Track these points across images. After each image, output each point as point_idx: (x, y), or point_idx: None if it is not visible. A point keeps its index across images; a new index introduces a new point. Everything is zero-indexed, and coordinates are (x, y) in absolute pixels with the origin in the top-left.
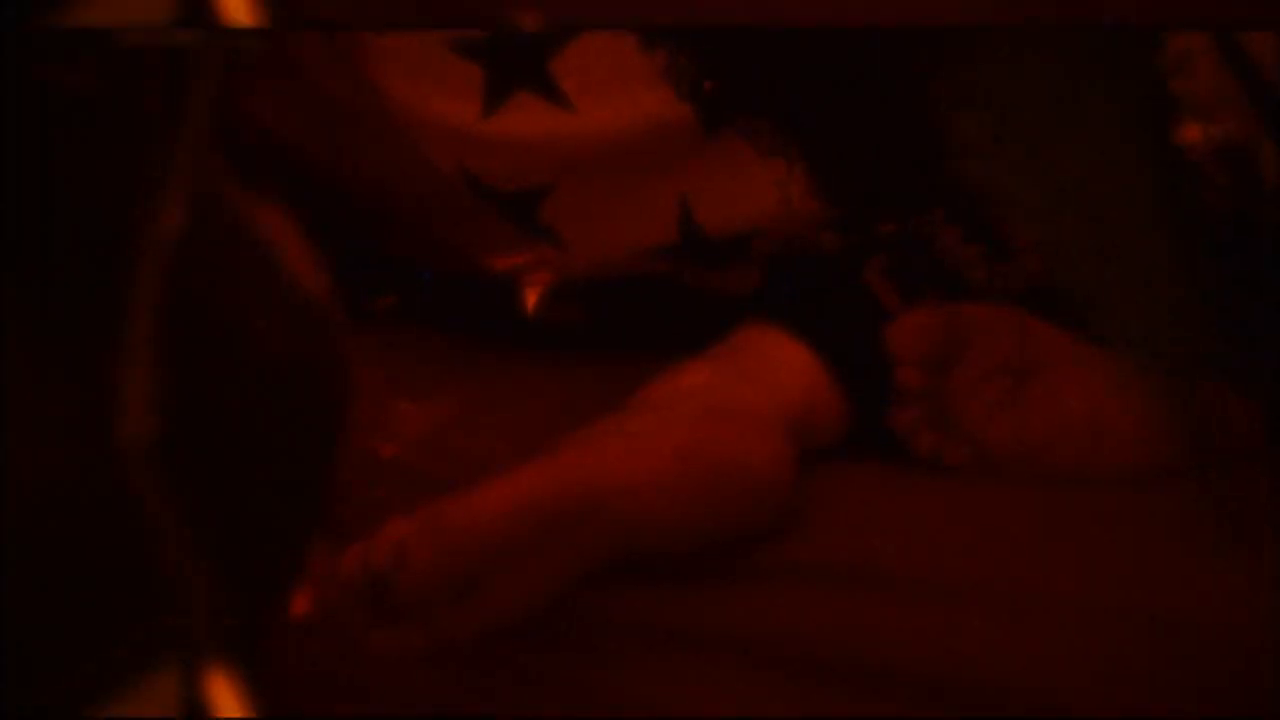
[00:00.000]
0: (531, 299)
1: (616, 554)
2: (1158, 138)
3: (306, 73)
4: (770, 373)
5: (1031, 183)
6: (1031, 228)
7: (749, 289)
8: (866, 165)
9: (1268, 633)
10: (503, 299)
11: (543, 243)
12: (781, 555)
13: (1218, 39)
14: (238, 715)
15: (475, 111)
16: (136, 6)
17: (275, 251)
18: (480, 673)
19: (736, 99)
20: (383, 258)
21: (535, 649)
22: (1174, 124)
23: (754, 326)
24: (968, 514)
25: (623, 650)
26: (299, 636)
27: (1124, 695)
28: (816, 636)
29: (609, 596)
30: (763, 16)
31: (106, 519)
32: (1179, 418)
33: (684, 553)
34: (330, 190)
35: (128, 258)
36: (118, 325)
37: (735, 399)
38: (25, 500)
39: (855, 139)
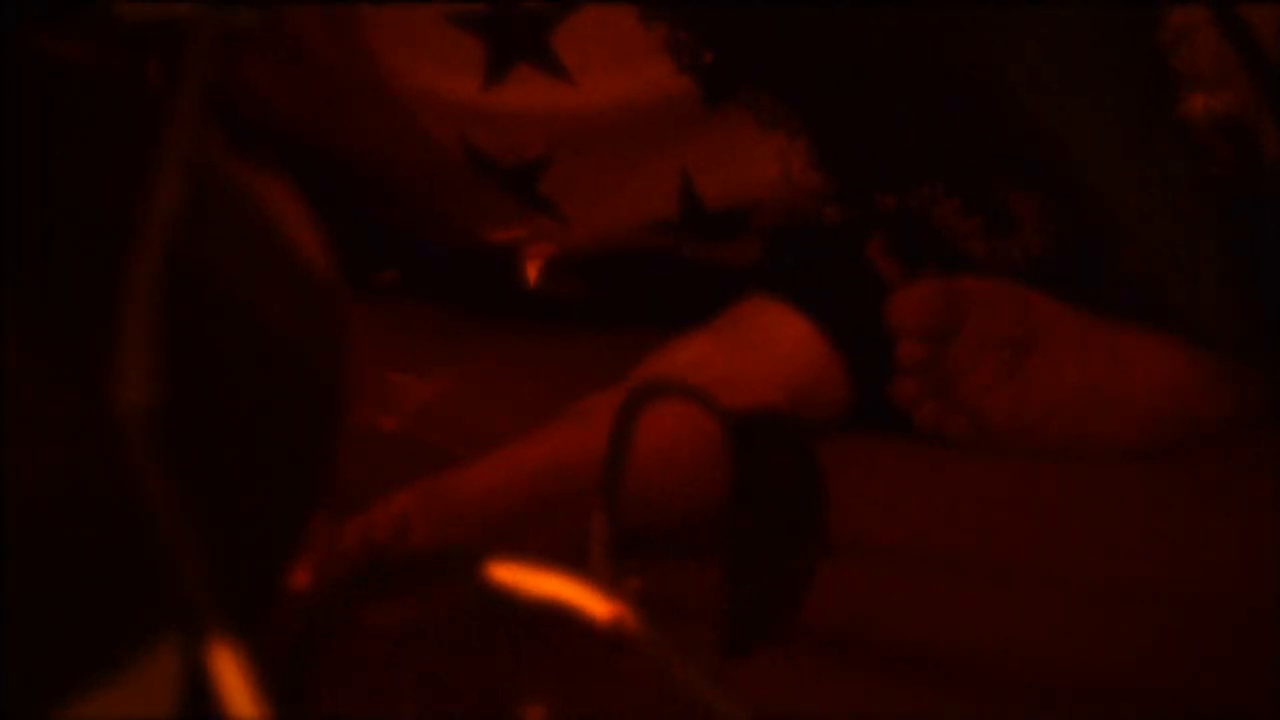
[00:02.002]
0: (532, 272)
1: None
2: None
3: (307, 45)
4: (771, 345)
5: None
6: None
7: (750, 262)
8: (868, 138)
9: None
10: (503, 272)
11: (543, 215)
12: None
13: (1218, 12)
14: (239, 688)
15: (476, 84)
16: None
17: (276, 224)
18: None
19: (737, 71)
20: (383, 230)
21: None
22: (1176, 97)
23: (755, 299)
24: (975, 487)
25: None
26: (299, 609)
27: (1154, 670)
28: (825, 610)
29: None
30: None
31: (106, 494)
32: (1189, 389)
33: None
34: (330, 163)
35: (128, 231)
36: (117, 299)
37: (736, 372)
38: (24, 478)
39: (856, 111)
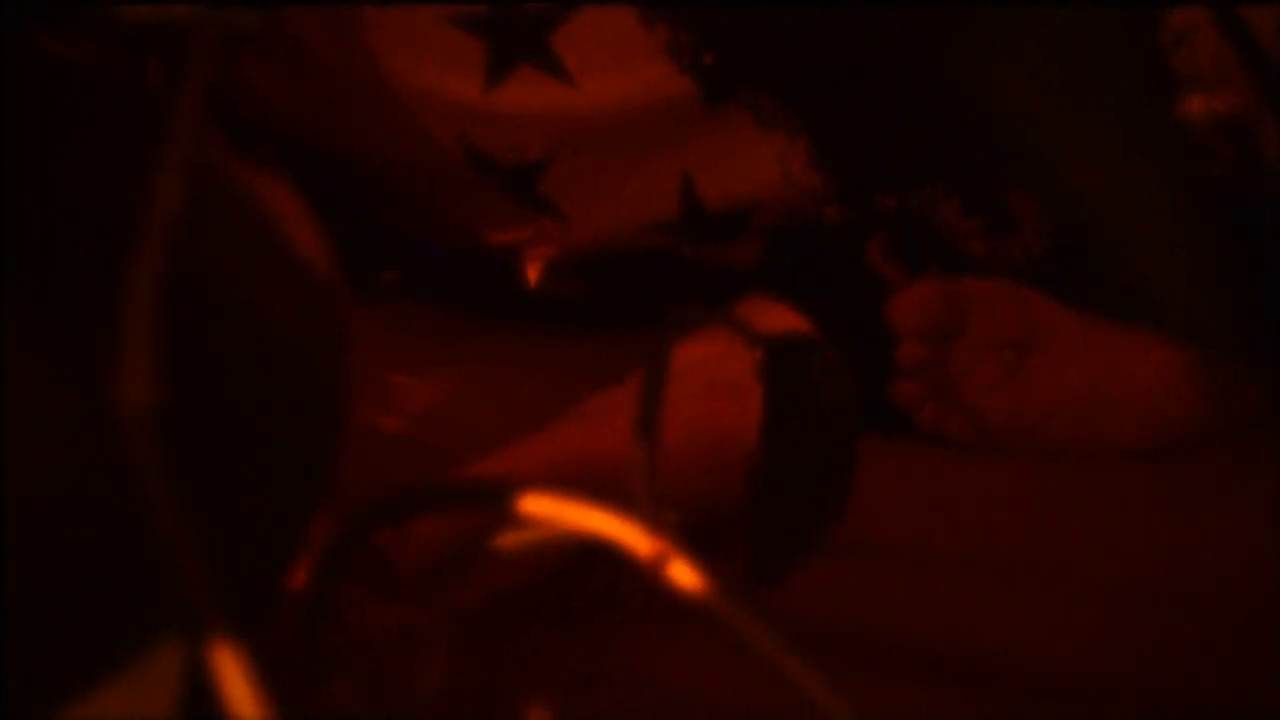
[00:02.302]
0: (532, 272)
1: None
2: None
3: (307, 45)
4: None
5: (1071, 131)
6: (1073, 176)
7: (750, 262)
8: (868, 138)
9: None
10: (503, 272)
11: (544, 216)
12: None
13: (1218, 12)
14: (239, 688)
15: (476, 85)
16: None
17: (276, 224)
18: (481, 646)
19: (737, 71)
20: (384, 231)
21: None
22: (1176, 97)
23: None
24: (975, 487)
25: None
26: (299, 609)
27: (1154, 670)
28: (825, 610)
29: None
30: None
31: (106, 494)
32: (1190, 389)
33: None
34: (330, 163)
35: (128, 231)
36: (118, 299)
37: (737, 372)
38: (24, 478)
39: (856, 111)
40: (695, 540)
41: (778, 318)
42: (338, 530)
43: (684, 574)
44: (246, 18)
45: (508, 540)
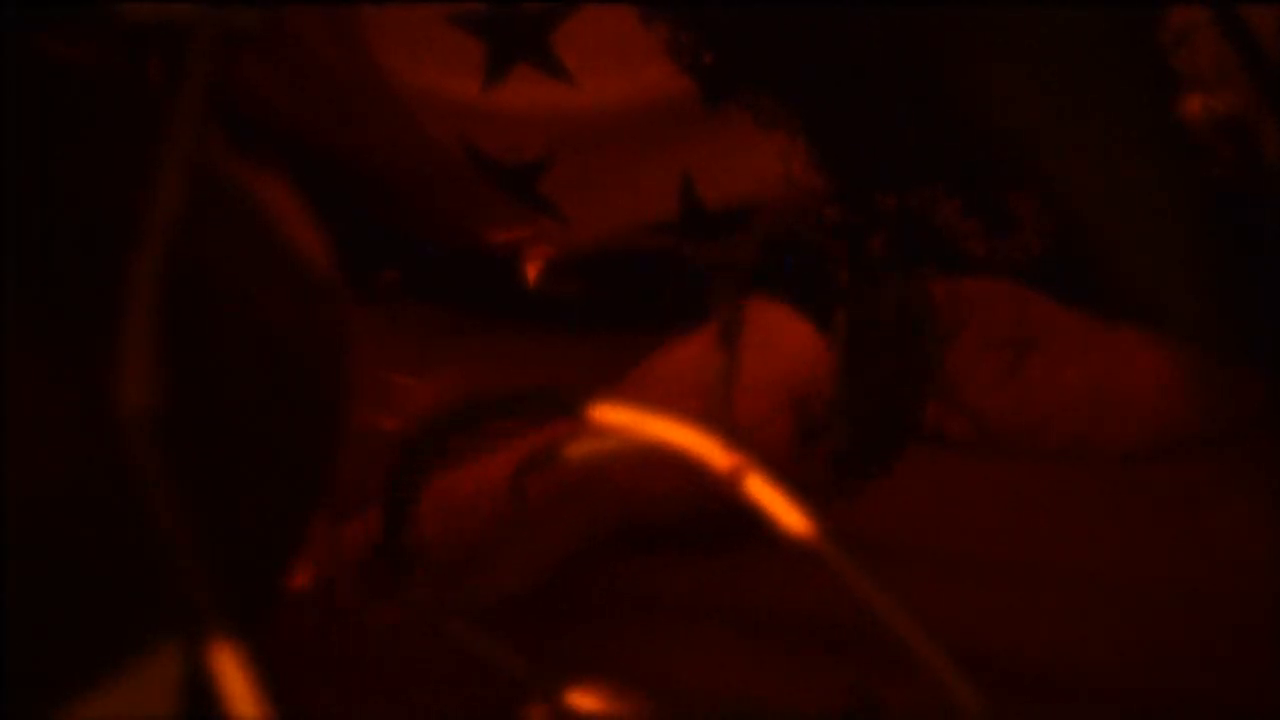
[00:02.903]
0: (532, 272)
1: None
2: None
3: (307, 45)
4: (771, 345)
5: (1070, 133)
6: (1065, 180)
7: (750, 262)
8: (868, 138)
9: None
10: (503, 272)
11: (543, 216)
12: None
13: (1218, 12)
14: (239, 688)
15: (476, 84)
16: None
17: (276, 224)
18: (479, 647)
19: (737, 71)
20: (383, 231)
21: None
22: (1175, 97)
23: (755, 300)
24: (975, 487)
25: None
26: (300, 609)
27: (1154, 670)
28: (825, 609)
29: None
30: None
31: (106, 494)
32: (1190, 390)
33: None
34: (330, 163)
35: (128, 231)
36: (118, 299)
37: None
38: (24, 478)
39: (856, 111)
40: (673, 598)
41: (777, 318)
42: (415, 434)
43: (761, 489)
44: (247, 17)
45: (577, 450)
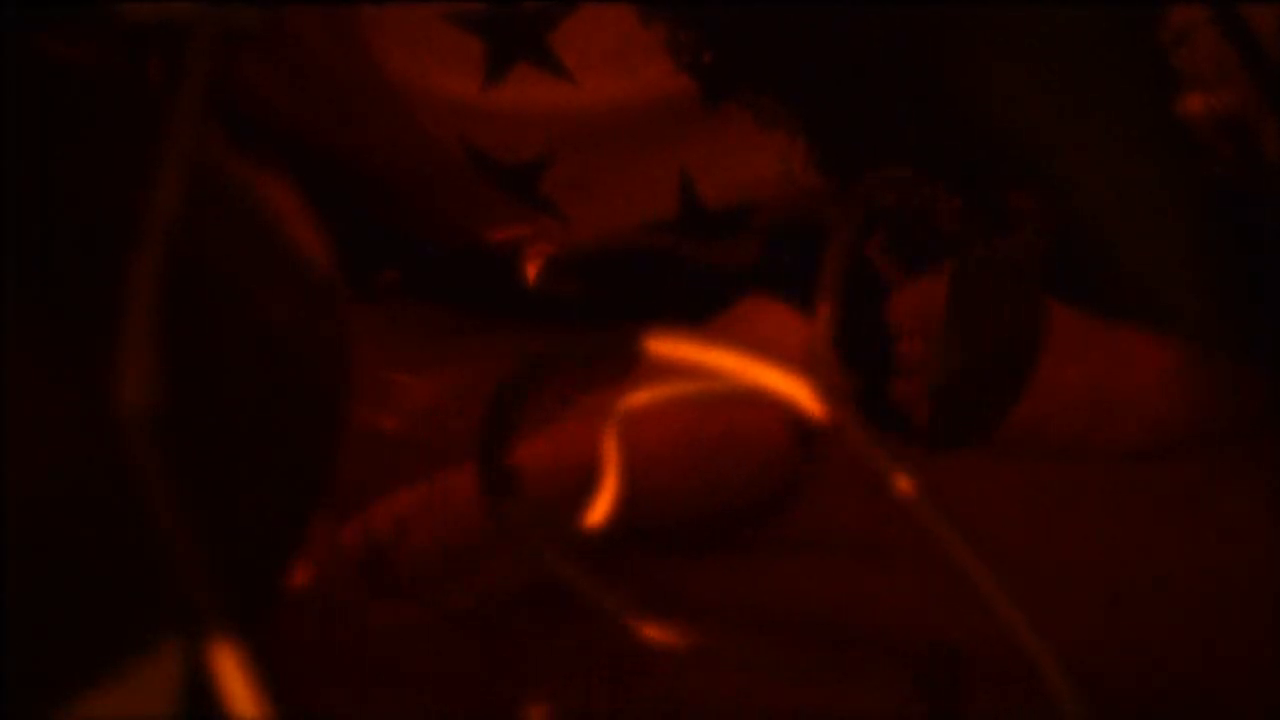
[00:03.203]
0: (532, 272)
1: (618, 526)
2: (1166, 104)
3: (307, 45)
4: (771, 345)
5: (1070, 132)
6: (1064, 178)
7: (750, 261)
8: (868, 138)
9: None
10: (503, 272)
11: (543, 215)
12: (788, 527)
13: (1218, 12)
14: (239, 688)
15: (475, 83)
16: None
17: (276, 223)
18: (480, 644)
19: (737, 71)
20: (383, 230)
21: (536, 620)
22: (1176, 96)
23: (754, 299)
24: (975, 487)
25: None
26: (299, 609)
27: (1154, 670)
28: (823, 606)
29: (611, 568)
30: None
31: (106, 494)
32: (1190, 389)
33: (687, 524)
34: (330, 162)
35: (128, 231)
36: (118, 299)
37: None
38: (24, 478)
39: (856, 112)
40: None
41: (777, 317)
42: (515, 369)
43: (856, 437)
44: (246, 17)
45: (638, 399)
